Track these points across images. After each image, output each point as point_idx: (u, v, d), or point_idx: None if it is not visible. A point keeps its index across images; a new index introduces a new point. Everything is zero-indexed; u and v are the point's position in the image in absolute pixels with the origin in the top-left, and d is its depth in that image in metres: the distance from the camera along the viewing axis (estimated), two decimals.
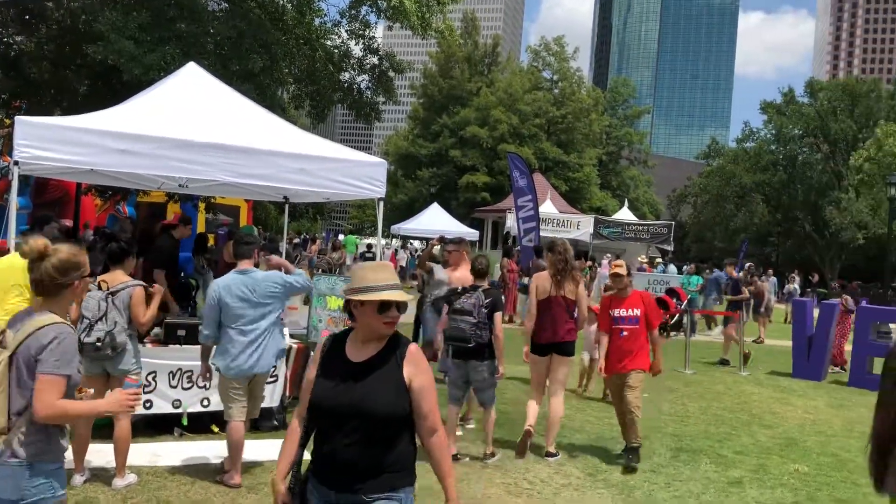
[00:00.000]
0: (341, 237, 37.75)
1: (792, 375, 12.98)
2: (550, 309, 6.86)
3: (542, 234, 22.45)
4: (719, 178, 53.90)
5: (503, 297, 8.79)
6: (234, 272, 5.63)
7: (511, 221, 21.20)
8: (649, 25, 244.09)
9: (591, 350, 10.04)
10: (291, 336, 7.73)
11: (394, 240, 34.89)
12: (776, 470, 7.06)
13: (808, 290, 29.89)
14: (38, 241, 3.02)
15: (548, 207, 29.02)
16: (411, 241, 40.83)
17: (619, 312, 7.05)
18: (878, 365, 12.15)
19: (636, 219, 33.85)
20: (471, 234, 29.19)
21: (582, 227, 25.10)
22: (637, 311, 6.99)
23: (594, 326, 8.98)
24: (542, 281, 6.98)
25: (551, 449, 6.93)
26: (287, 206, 10.97)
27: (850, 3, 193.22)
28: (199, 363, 5.79)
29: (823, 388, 12.25)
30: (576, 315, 6.98)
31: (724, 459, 7.29)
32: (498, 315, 6.54)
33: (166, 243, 9.20)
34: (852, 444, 8.25)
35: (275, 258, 6.59)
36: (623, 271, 7.10)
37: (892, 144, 26.71)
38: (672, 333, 17.12)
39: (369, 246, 35.11)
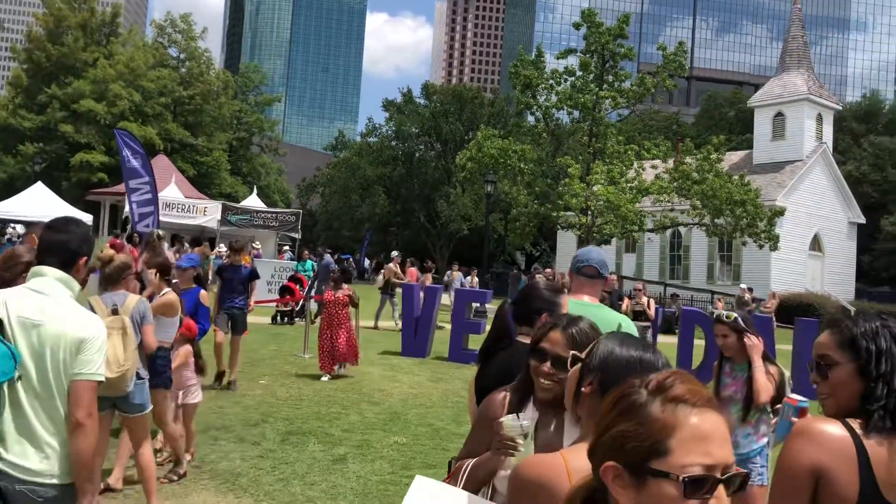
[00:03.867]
0: None
1: (401, 354, 14.04)
2: None
3: (166, 219, 21.31)
4: (346, 169, 56.09)
5: None
6: None
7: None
8: (282, 15, 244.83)
9: None
10: None
11: None
12: (378, 444, 7.54)
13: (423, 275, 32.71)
14: (108, 251, 5.35)
15: (172, 192, 27.73)
16: (12, 224, 35.93)
17: None
18: (472, 341, 13.68)
19: (265, 206, 33.85)
20: (84, 217, 26.62)
21: (209, 214, 24.48)
22: None
23: None
24: None
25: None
26: None
27: (461, 17, 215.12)
28: None
29: (427, 364, 13.44)
30: None
31: (332, 438, 7.60)
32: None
33: None
34: (446, 414, 9.17)
35: None
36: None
37: (489, 147, 30.23)
38: (296, 319, 17.54)
39: None
